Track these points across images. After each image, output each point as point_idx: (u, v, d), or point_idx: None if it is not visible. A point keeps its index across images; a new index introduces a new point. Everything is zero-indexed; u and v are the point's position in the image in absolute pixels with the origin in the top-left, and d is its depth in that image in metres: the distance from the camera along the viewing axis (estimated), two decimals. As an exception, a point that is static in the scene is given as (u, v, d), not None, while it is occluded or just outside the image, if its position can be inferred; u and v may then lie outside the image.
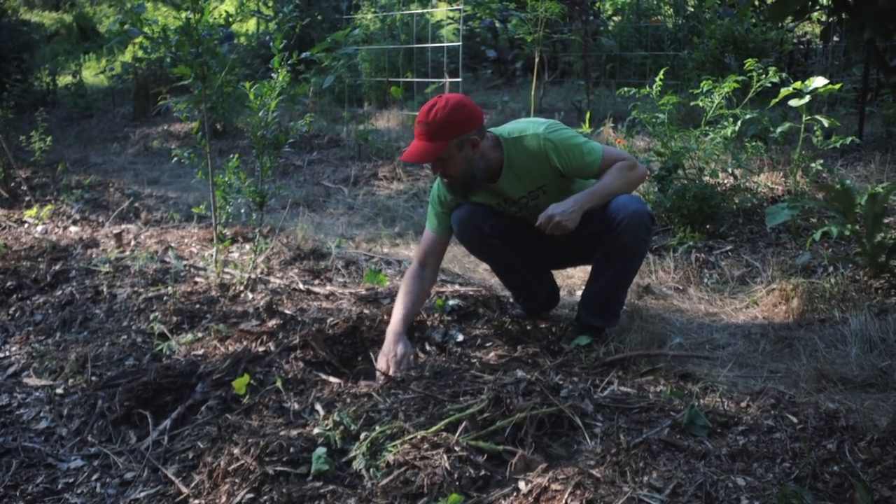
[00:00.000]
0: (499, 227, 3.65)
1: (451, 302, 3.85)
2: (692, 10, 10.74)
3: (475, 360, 3.22)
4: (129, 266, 4.64)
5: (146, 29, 4.23)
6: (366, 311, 3.72)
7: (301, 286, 4.27)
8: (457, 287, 4.25)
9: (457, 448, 2.49)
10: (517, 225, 3.68)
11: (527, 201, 3.59)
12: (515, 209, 3.65)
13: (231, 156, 4.28)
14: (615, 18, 12.90)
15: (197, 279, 4.40)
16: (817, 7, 2.48)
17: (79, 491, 2.76)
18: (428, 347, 3.44)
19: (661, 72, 5.68)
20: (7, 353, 3.91)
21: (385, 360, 3.28)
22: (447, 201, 3.65)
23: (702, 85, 5.56)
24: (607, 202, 3.44)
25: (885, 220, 4.87)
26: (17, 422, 3.22)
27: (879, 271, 4.14)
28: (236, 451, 2.61)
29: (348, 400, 2.92)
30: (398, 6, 11.31)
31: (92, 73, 16.12)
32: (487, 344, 3.45)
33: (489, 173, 3.48)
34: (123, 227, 5.76)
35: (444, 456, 2.44)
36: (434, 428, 2.59)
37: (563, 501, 2.23)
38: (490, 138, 3.46)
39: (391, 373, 3.19)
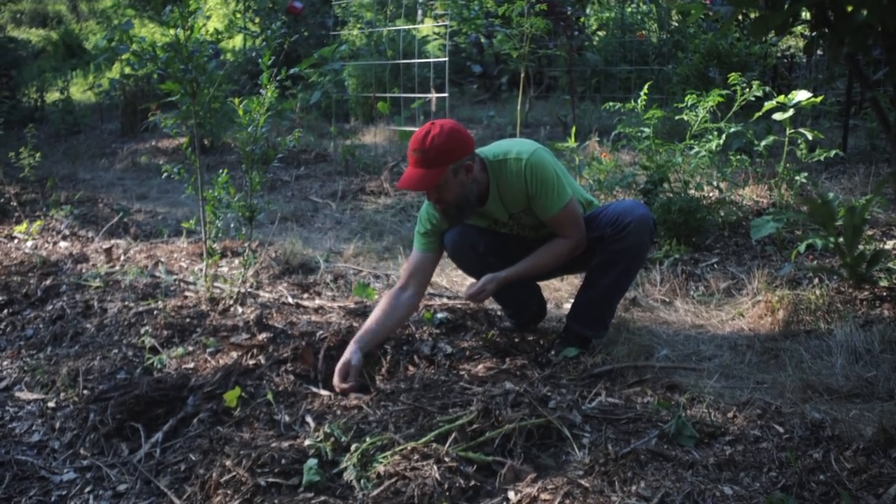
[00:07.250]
0: (492, 244, 3.64)
1: (439, 315, 3.87)
2: (676, 24, 10.83)
3: (464, 373, 3.25)
4: (119, 281, 4.65)
5: (134, 46, 4.22)
6: (355, 324, 3.74)
7: (290, 300, 4.28)
8: (445, 300, 4.27)
9: (447, 459, 2.51)
10: (509, 241, 3.68)
11: (514, 221, 3.59)
12: (506, 229, 3.65)
13: (220, 171, 4.29)
14: (600, 33, 12.96)
15: (187, 293, 4.41)
16: (798, 22, 2.52)
17: (72, 503, 2.77)
18: (417, 360, 3.46)
19: (646, 86, 5.73)
20: (-2, 368, 3.92)
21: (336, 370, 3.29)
22: (436, 223, 3.59)
23: (686, 99, 5.62)
24: (614, 208, 3.49)
25: (869, 232, 4.92)
26: (10, 435, 3.23)
27: (861, 282, 4.19)
28: (228, 462, 2.63)
29: (339, 412, 2.94)
30: (384, 22, 11.37)
31: (79, 89, 16.09)
32: (476, 356, 3.47)
33: (479, 197, 3.46)
34: (113, 242, 5.76)
35: (434, 467, 2.46)
36: (424, 439, 2.61)
37: (553, 510, 2.26)
38: (477, 161, 3.41)
39: (334, 384, 3.23)
